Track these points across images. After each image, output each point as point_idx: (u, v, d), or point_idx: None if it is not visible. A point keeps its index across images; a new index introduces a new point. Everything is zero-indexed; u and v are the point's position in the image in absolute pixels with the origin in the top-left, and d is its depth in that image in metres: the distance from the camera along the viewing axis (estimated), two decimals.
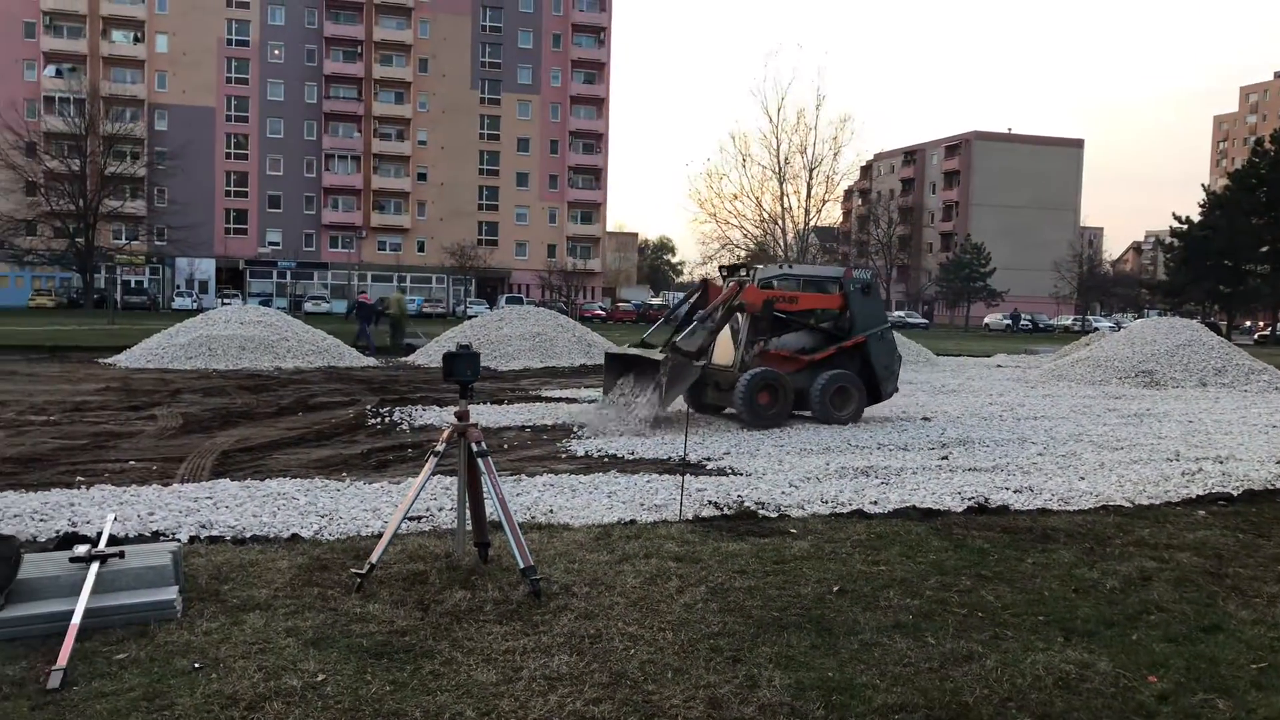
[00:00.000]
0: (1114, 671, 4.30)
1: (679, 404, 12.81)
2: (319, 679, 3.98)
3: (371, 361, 22.69)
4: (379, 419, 12.58)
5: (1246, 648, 4.65)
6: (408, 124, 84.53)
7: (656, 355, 12.36)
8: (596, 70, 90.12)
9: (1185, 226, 68.05)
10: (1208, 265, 65.09)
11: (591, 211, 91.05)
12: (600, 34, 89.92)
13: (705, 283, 14.02)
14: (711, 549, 6.18)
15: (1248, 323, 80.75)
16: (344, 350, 22.63)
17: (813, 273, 14.63)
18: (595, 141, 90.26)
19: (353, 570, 5.35)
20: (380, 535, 5.89)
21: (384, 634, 4.53)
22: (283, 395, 15.12)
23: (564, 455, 10.11)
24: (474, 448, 5.42)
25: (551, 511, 7.25)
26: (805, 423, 12.82)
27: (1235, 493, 8.55)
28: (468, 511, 5.67)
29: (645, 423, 11.71)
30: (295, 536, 6.34)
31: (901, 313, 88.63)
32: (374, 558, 5.21)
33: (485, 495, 5.58)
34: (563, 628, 4.67)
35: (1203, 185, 73.61)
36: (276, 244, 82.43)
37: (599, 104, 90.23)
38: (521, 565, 5.11)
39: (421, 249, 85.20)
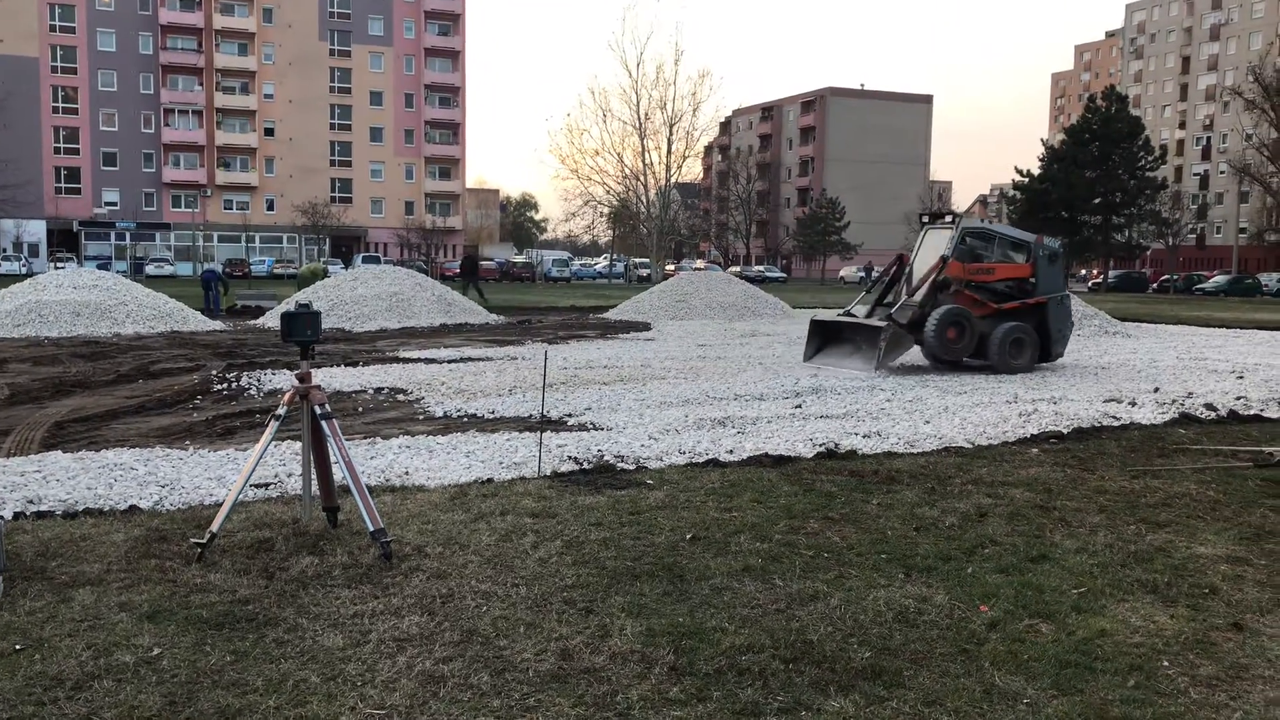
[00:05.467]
0: (949, 604, 4.50)
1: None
2: (154, 653, 3.82)
3: (218, 325, 21.80)
4: (225, 384, 12.10)
5: (1069, 575, 4.94)
6: (253, 77, 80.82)
7: (875, 322, 14.11)
8: (451, 21, 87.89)
9: (1026, 180, 71.14)
10: (1047, 216, 68.24)
11: (450, 167, 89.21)
12: None
13: (901, 257, 15.26)
14: (568, 503, 6.19)
15: (1082, 271, 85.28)
16: (188, 314, 21.65)
17: (1010, 234, 15.28)
18: (452, 95, 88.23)
19: (193, 540, 5.15)
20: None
21: (226, 604, 4.38)
22: (121, 362, 14.37)
23: (422, 416, 9.93)
24: (317, 410, 5.26)
25: (407, 473, 7.13)
26: (665, 379, 12.93)
27: (1066, 431, 9.07)
28: (314, 475, 5.52)
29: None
30: (133, 508, 6.06)
31: (761, 267, 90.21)
32: (214, 526, 5.03)
33: (335, 460, 5.43)
34: (414, 589, 4.60)
35: (1042, 140, 77.01)
36: (114, 204, 77.93)
37: (454, 56, 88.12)
38: (371, 528, 5.01)
39: (271, 208, 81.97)
